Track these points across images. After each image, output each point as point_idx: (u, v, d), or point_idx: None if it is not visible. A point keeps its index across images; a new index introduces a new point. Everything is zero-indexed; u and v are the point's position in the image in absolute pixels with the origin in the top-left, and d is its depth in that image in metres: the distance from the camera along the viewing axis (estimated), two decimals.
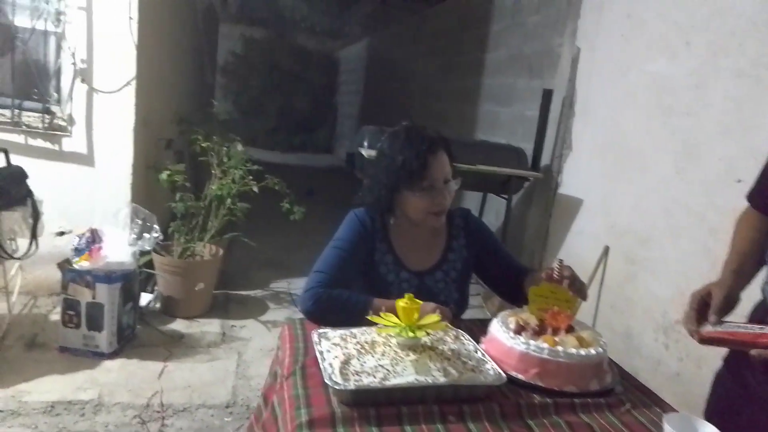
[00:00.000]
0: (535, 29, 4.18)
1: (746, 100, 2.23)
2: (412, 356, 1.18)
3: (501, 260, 1.69)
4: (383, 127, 3.67)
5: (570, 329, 1.30)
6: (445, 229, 1.68)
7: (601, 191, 3.15)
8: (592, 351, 1.23)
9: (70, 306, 2.53)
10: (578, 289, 1.41)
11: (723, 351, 1.33)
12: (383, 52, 9.45)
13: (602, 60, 3.24)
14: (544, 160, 3.65)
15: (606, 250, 3.00)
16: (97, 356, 2.54)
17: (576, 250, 3.31)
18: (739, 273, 1.22)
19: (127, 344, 2.70)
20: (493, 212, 4.36)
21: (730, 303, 1.16)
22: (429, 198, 1.53)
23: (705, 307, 1.15)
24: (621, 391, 1.26)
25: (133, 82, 3.11)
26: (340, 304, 1.44)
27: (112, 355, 2.57)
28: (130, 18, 3.04)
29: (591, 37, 3.36)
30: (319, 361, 1.17)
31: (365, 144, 3.53)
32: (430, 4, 6.72)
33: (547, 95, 3.63)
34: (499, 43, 4.81)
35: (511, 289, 1.64)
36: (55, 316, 2.83)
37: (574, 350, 1.22)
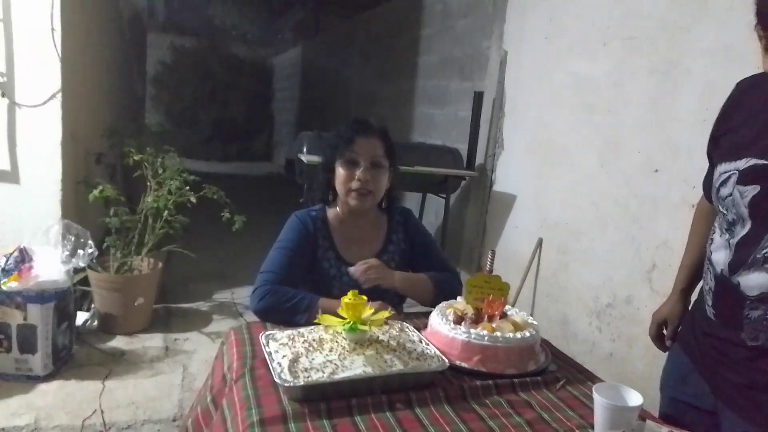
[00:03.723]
0: (464, 33, 4.32)
1: (659, 96, 2.40)
2: (359, 350, 1.22)
3: (428, 263, 1.77)
4: (321, 132, 3.70)
5: (503, 315, 1.38)
6: (386, 223, 1.77)
7: (532, 187, 3.30)
8: (527, 334, 1.32)
9: None
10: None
11: (647, 332, 1.48)
12: (317, 59, 9.47)
13: (528, 62, 3.40)
14: (478, 159, 3.78)
15: (539, 243, 3.14)
16: (31, 380, 2.42)
17: (512, 243, 3.44)
18: (688, 289, 1.39)
19: (63, 366, 2.59)
20: (433, 211, 4.46)
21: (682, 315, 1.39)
22: (351, 172, 1.61)
23: (664, 326, 1.42)
24: (555, 369, 1.34)
25: (59, 95, 2.99)
26: (287, 301, 1.50)
27: (48, 377, 2.47)
28: (53, 29, 2.93)
29: (516, 40, 3.51)
30: (268, 362, 1.19)
31: (304, 150, 3.54)
32: (362, 11, 6.80)
33: (478, 97, 3.77)
34: (431, 47, 4.93)
35: None
36: None
37: (510, 335, 1.30)
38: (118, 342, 2.93)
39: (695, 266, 1.34)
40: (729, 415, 1.14)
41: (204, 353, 2.90)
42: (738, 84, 1.20)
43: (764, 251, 1.04)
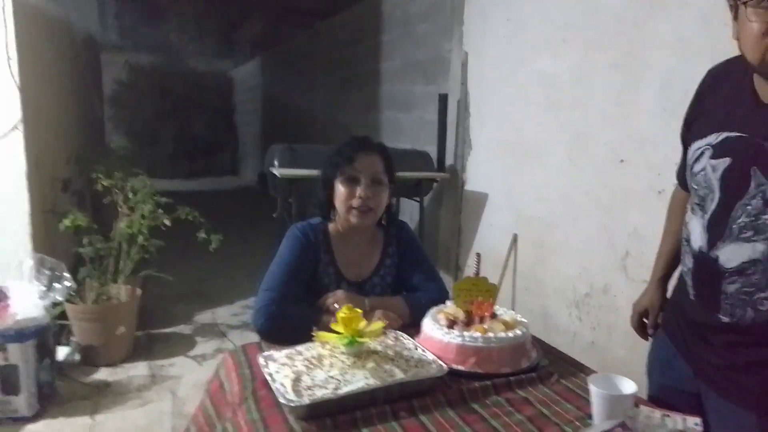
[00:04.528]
0: (425, 37, 4.37)
1: (622, 90, 2.47)
2: (359, 362, 1.24)
3: (414, 274, 1.75)
4: (291, 144, 3.70)
5: (493, 316, 1.42)
6: (383, 238, 1.78)
7: (504, 184, 3.36)
8: (518, 332, 1.36)
9: None
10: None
11: (625, 319, 1.53)
12: (279, 69, 9.43)
13: (490, 62, 3.46)
14: (448, 160, 3.84)
15: (515, 238, 3.21)
16: (17, 422, 2.37)
17: (488, 241, 3.51)
18: (666, 277, 1.43)
19: (48, 403, 2.53)
20: (408, 216, 4.50)
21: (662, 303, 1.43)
22: (352, 189, 1.61)
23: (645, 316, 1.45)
24: (547, 363, 1.39)
25: (20, 126, 2.93)
26: (291, 321, 1.50)
27: (35, 417, 2.41)
28: (9, 58, 2.87)
29: (477, 41, 3.57)
30: (270, 383, 1.20)
31: (275, 163, 3.53)
32: (321, 19, 6.81)
33: (443, 99, 3.82)
34: (393, 53, 4.98)
35: None
36: None
37: (503, 334, 1.34)
38: (102, 374, 2.88)
39: (671, 254, 1.38)
40: (712, 397, 1.19)
41: (191, 377, 2.87)
42: (709, 71, 1.23)
43: (738, 221, 1.07)
